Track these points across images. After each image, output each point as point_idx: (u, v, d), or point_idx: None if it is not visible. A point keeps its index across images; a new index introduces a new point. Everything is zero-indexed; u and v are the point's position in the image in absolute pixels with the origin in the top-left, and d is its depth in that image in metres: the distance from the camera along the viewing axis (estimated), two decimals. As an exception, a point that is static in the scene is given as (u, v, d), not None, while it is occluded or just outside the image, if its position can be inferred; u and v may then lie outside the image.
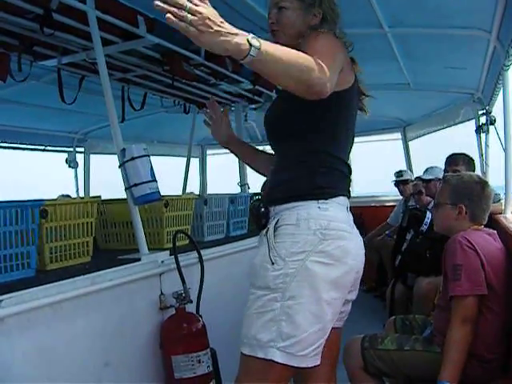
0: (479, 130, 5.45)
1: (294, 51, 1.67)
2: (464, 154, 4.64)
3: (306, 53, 1.73)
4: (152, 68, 4.12)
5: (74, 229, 2.72)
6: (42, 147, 6.74)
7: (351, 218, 2.06)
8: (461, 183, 2.85)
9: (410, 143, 7.72)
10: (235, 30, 1.55)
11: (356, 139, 6.68)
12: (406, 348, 2.72)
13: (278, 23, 2.13)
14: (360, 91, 2.18)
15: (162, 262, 2.95)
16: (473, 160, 4.62)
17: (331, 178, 1.97)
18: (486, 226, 2.85)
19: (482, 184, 2.83)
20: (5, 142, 6.19)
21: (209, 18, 1.48)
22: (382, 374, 2.80)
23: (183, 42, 3.72)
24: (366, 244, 6.37)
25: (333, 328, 2.00)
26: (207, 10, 1.49)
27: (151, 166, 2.81)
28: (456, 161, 4.55)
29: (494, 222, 3.54)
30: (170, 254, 3.00)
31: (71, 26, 3.15)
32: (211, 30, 1.49)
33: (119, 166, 2.85)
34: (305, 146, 1.99)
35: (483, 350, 2.50)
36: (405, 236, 4.83)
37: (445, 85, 5.59)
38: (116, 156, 2.92)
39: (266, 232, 1.95)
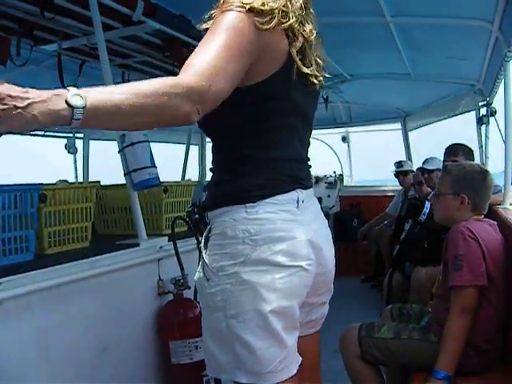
0: (480, 121, 5.44)
1: (140, 86, 1.30)
2: (463, 145, 4.63)
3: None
4: (152, 54, 4.11)
5: (73, 213, 2.73)
6: (42, 132, 6.72)
7: (309, 211, 1.79)
8: (463, 173, 2.83)
9: (409, 134, 7.71)
10: (45, 95, 1.17)
11: (356, 128, 6.66)
12: (403, 337, 2.72)
13: None
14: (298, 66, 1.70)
15: (161, 247, 2.96)
16: (472, 151, 4.61)
17: (260, 179, 1.67)
18: (485, 216, 2.85)
19: (484, 173, 2.82)
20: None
21: (7, 97, 1.13)
22: (379, 363, 2.80)
23: (184, 28, 3.71)
24: (364, 234, 6.39)
25: (307, 335, 1.85)
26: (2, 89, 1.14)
27: (151, 152, 2.82)
28: (456, 151, 4.54)
29: (493, 213, 3.54)
30: (169, 240, 3.01)
31: (72, 10, 3.14)
32: (16, 112, 1.13)
33: (119, 152, 2.85)
34: (227, 147, 1.73)
35: (481, 341, 2.51)
36: (403, 226, 4.82)
37: (446, 75, 5.57)
38: (115, 142, 2.92)
39: (200, 243, 1.74)
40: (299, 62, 1.67)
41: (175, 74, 3.95)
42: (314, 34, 1.73)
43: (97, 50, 3.27)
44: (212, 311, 1.64)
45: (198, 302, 2.91)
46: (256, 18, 1.52)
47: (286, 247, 1.62)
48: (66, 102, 1.19)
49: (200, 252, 1.86)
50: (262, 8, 1.53)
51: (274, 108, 1.68)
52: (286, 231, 1.65)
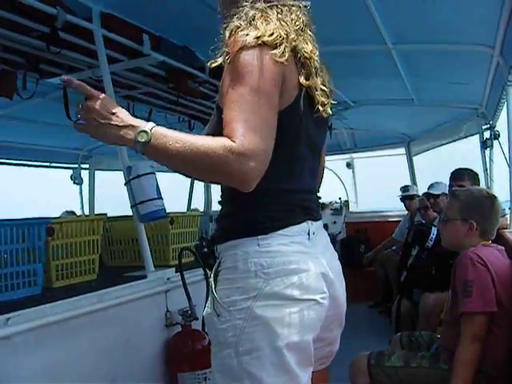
0: (484, 144, 5.44)
1: (199, 141, 1.41)
2: (469, 169, 4.63)
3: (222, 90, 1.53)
4: (157, 85, 4.15)
5: (80, 246, 2.74)
6: (48, 164, 6.78)
7: (320, 242, 1.77)
8: (471, 198, 2.82)
9: (414, 158, 7.72)
10: (123, 123, 1.46)
11: (360, 154, 6.67)
12: (413, 365, 2.70)
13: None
14: (312, 97, 1.69)
15: (168, 279, 2.96)
16: (477, 175, 4.61)
17: (271, 210, 1.65)
18: (492, 241, 2.84)
19: (492, 199, 2.81)
20: (11, 159, 6.22)
21: (94, 111, 1.47)
22: (389, 392, 2.78)
23: (188, 60, 3.75)
24: (370, 260, 6.35)
25: (317, 371, 1.78)
26: (95, 104, 1.47)
27: (157, 184, 2.82)
28: (461, 176, 4.54)
29: (500, 238, 3.52)
30: (176, 271, 3.01)
31: (77, 44, 3.18)
32: (95, 123, 1.47)
33: (125, 184, 2.86)
34: None
35: (490, 367, 2.48)
36: (410, 251, 4.81)
37: (448, 100, 5.60)
38: (120, 172, 2.94)
39: (210, 277, 1.68)
40: (309, 91, 1.66)
41: (180, 104, 3.97)
42: (316, 56, 1.70)
43: (102, 82, 3.31)
44: (223, 347, 1.58)
45: (207, 334, 2.92)
46: (272, 52, 1.52)
47: (299, 280, 1.58)
48: (135, 134, 1.43)
49: (208, 285, 1.91)
50: (275, 39, 1.53)
51: (286, 139, 1.63)
52: (299, 264, 1.61)
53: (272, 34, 1.54)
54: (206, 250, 1.76)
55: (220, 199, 1.79)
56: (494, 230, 2.76)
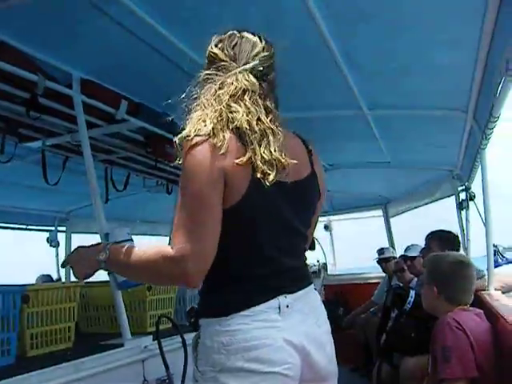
0: (460, 205, 5.51)
1: (144, 251, 1.70)
2: (439, 231, 4.67)
3: None
4: (135, 150, 4.17)
5: (56, 314, 2.69)
6: (24, 226, 6.71)
7: (301, 312, 1.79)
8: (432, 263, 2.89)
9: (394, 219, 7.77)
10: (92, 254, 1.80)
11: (338, 217, 6.70)
12: (396, 433, 2.65)
13: None
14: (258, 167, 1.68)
15: (145, 347, 2.90)
16: (450, 237, 4.62)
17: (232, 294, 1.75)
18: (471, 304, 2.84)
19: (457, 264, 2.82)
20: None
21: (72, 266, 1.90)
22: None
23: (166, 126, 3.78)
24: (350, 323, 6.28)
25: None
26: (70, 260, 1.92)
27: (135, 250, 2.79)
28: (429, 238, 4.60)
29: (478, 300, 3.53)
30: (154, 339, 2.94)
31: (57, 109, 3.20)
32: (79, 270, 1.89)
33: (102, 250, 2.82)
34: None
35: (474, 434, 2.45)
36: (389, 315, 4.78)
37: (424, 162, 5.69)
38: (97, 235, 2.91)
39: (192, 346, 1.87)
40: (262, 175, 1.66)
41: (158, 169, 3.98)
42: (259, 120, 1.71)
43: (80, 147, 3.31)
44: None
45: (184, 403, 2.85)
46: (216, 145, 1.63)
47: (259, 355, 1.67)
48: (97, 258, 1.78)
49: (186, 352, 2.40)
50: (211, 131, 1.64)
51: (246, 229, 1.75)
52: (260, 339, 1.68)
53: (209, 125, 1.65)
54: (192, 320, 1.90)
55: None
56: (464, 295, 2.77)
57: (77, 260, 1.89)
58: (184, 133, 1.68)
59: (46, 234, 7.08)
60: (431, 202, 6.87)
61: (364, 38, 2.81)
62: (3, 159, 3.49)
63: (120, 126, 3.54)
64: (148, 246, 1.72)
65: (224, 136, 1.64)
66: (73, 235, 7.17)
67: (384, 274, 6.74)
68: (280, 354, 1.69)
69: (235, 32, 1.86)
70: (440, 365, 2.48)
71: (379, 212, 7.85)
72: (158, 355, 2.83)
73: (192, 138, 1.65)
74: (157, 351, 2.84)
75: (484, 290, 3.89)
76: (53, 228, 7.05)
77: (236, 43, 1.83)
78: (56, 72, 3.03)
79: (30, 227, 6.83)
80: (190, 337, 3.16)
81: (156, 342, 2.87)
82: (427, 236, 4.66)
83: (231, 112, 1.69)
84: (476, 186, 5.09)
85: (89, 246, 1.87)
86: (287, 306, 1.75)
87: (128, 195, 5.54)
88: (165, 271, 1.64)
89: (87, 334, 3.35)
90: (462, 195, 5.46)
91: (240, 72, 1.76)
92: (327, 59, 2.94)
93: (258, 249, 1.78)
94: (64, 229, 7.11)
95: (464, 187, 5.36)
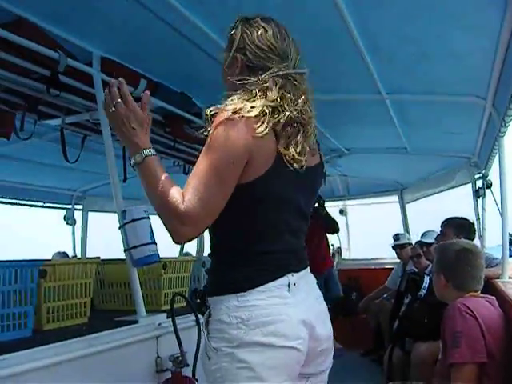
0: (476, 193, 5.48)
1: (166, 186, 1.71)
2: (455, 218, 4.66)
3: None
4: (154, 130, 4.18)
5: (73, 289, 2.73)
6: (41, 203, 6.77)
7: (302, 291, 1.88)
8: (440, 251, 2.91)
9: (409, 205, 7.75)
10: (137, 140, 1.79)
11: (354, 202, 6.66)
12: (405, 417, 2.67)
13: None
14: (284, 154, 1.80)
15: (160, 324, 2.93)
16: (466, 224, 4.62)
17: (249, 270, 1.83)
18: (483, 291, 2.84)
19: (465, 252, 2.82)
20: (4, 198, 6.21)
21: (122, 121, 1.80)
22: None
23: (185, 106, 3.79)
24: (363, 308, 6.29)
25: None
26: (125, 112, 1.80)
27: (151, 229, 2.82)
28: (446, 223, 4.59)
29: (491, 288, 3.53)
30: (168, 317, 2.98)
31: (76, 87, 3.21)
32: (117, 127, 1.83)
33: (119, 228, 2.85)
34: (220, 238, 1.91)
35: (483, 419, 2.46)
36: (403, 300, 4.78)
37: (441, 149, 5.66)
38: (114, 214, 2.94)
39: (202, 325, 1.90)
40: (287, 158, 1.79)
41: (176, 149, 4.00)
42: (311, 122, 1.87)
43: (99, 125, 3.33)
44: None
45: (197, 380, 2.89)
46: (252, 126, 1.71)
47: (276, 329, 1.75)
48: (134, 153, 1.79)
49: (199, 331, 2.32)
50: (255, 115, 1.72)
51: (262, 205, 1.83)
52: (276, 315, 1.77)
53: (251, 110, 1.72)
54: (198, 300, 1.99)
55: (209, 252, 1.97)
56: (472, 283, 2.77)
57: (118, 127, 1.81)
58: (229, 107, 1.73)
59: (63, 212, 7.15)
60: (447, 189, 6.84)
61: (385, 22, 2.79)
62: (23, 136, 3.52)
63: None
64: (173, 185, 1.73)
65: (264, 121, 1.72)
66: (89, 214, 7.22)
67: (398, 260, 6.74)
68: (294, 329, 1.79)
69: (280, 26, 1.91)
70: (449, 349, 2.49)
71: (395, 198, 7.84)
72: (172, 333, 2.87)
73: (233, 113, 1.71)
74: (171, 329, 2.88)
75: (498, 278, 3.88)
76: (70, 206, 7.10)
77: (287, 44, 1.90)
78: (76, 50, 3.04)
79: (46, 205, 6.89)
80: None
81: (170, 319, 2.91)
82: (443, 223, 4.66)
83: (279, 106, 1.77)
84: (493, 175, 5.06)
85: (133, 122, 1.80)
86: (294, 284, 1.85)
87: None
88: (166, 214, 1.71)
89: (102, 310, 3.39)
90: (479, 183, 5.42)
91: (293, 74, 1.87)
92: (347, 42, 2.93)
93: (271, 226, 1.86)
94: (81, 207, 7.16)
95: (481, 175, 5.33)
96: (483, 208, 5.31)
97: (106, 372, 2.56)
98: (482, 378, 2.44)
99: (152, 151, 1.80)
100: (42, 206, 6.81)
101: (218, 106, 1.77)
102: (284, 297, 1.83)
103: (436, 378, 2.81)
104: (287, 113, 1.78)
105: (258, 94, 1.77)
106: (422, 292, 4.31)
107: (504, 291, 3.13)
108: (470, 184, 5.72)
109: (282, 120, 1.77)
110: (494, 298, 2.77)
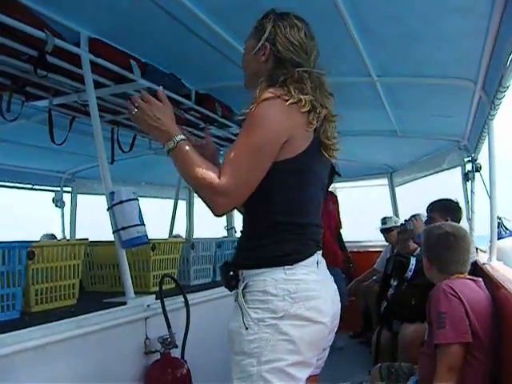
0: (465, 176, 5.50)
1: (200, 164, 1.84)
2: (439, 201, 4.66)
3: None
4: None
5: (61, 271, 2.71)
6: (30, 186, 6.73)
7: (323, 268, 2.04)
8: (426, 235, 2.95)
9: (397, 189, 7.77)
10: (166, 128, 1.92)
11: (343, 184, 6.66)
12: (392, 397, 2.70)
13: (242, 64, 2.18)
14: (323, 142, 2.01)
15: (148, 306, 2.94)
16: (451, 205, 4.62)
17: (296, 244, 1.93)
18: (471, 273, 2.87)
19: (447, 236, 2.84)
20: (-6, 180, 6.18)
21: (147, 114, 1.92)
22: (368, 423, 2.77)
23: (174, 87, 3.76)
24: (352, 290, 6.29)
25: (310, 376, 2.00)
26: (147, 107, 1.93)
27: (139, 210, 2.81)
28: (431, 206, 4.60)
29: (479, 270, 3.55)
30: (156, 298, 2.99)
31: (64, 68, 3.18)
32: (145, 124, 1.95)
33: (108, 209, 2.84)
34: (266, 217, 1.95)
35: (468, 400, 2.48)
36: (389, 282, 4.80)
37: (431, 132, 5.66)
38: (102, 196, 2.93)
39: (237, 297, 1.93)
40: (321, 139, 1.97)
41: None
42: (335, 120, 2.06)
43: (87, 107, 3.31)
44: (246, 356, 1.84)
45: (186, 361, 2.90)
46: (295, 110, 1.87)
47: (316, 305, 1.87)
48: (167, 140, 1.90)
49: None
50: (297, 100, 1.86)
51: (304, 180, 1.96)
52: (317, 290, 1.90)
53: (295, 96, 1.87)
54: (232, 273, 1.98)
55: (244, 230, 2.07)
56: (456, 266, 2.79)
57: (146, 122, 1.94)
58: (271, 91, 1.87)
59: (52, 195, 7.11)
60: (437, 173, 6.86)
61: (376, 3, 2.78)
62: (9, 118, 3.49)
63: (128, 85, 3.52)
64: (207, 163, 1.86)
65: (305, 105, 1.88)
66: (78, 196, 7.19)
67: (387, 243, 6.77)
68: (327, 306, 1.93)
69: (309, 25, 2.09)
70: (435, 330, 2.52)
71: (384, 181, 7.85)
72: (161, 314, 2.88)
73: (278, 94, 1.86)
74: (159, 310, 2.89)
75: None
76: (58, 188, 7.07)
77: (314, 44, 2.08)
78: (63, 30, 3.00)
79: (35, 187, 6.84)
80: (192, 297, 3.23)
81: (159, 301, 2.91)
82: (428, 207, 4.66)
83: (314, 100, 1.92)
84: (483, 158, 5.08)
85: (160, 115, 1.93)
86: (319, 262, 2.00)
87: (134, 157, 5.54)
88: (203, 189, 1.83)
89: (91, 292, 3.39)
90: (468, 166, 5.44)
91: (319, 73, 2.05)
92: (338, 24, 2.91)
93: (309, 199, 2.00)
94: (70, 189, 7.12)
95: (470, 158, 5.35)
96: (472, 191, 5.33)
97: (93, 353, 2.57)
98: (467, 359, 2.47)
99: (182, 136, 1.90)
100: (31, 189, 6.76)
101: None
102: (317, 273, 1.95)
103: (422, 359, 2.84)
104: (324, 110, 1.96)
105: (294, 86, 1.90)
106: (409, 274, 4.32)
107: (491, 273, 3.15)
108: (460, 167, 5.74)
109: (321, 115, 1.94)
110: (480, 279, 2.79)
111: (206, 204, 1.85)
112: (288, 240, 1.92)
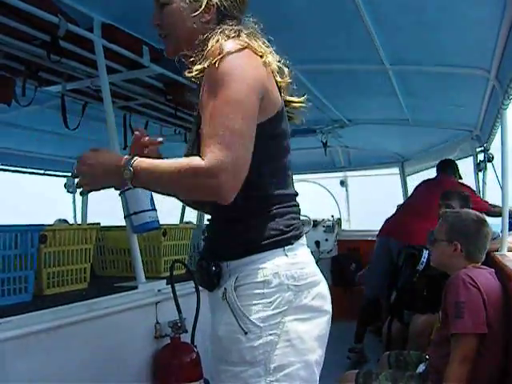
0: (477, 166, 5.48)
1: (171, 164, 1.50)
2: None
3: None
4: (154, 97, 4.16)
5: (73, 255, 2.74)
6: (42, 171, 6.77)
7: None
8: (458, 221, 2.87)
9: (410, 177, 7.73)
10: (108, 164, 1.62)
11: (354, 173, 6.64)
12: (401, 385, 2.70)
13: (162, 25, 1.74)
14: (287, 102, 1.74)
15: (159, 290, 2.96)
16: (466, 195, 4.61)
17: (289, 219, 1.63)
18: (483, 263, 2.86)
19: (480, 222, 2.84)
20: (4, 165, 6.20)
21: (82, 175, 1.65)
22: (376, 411, 2.77)
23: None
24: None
25: None
26: (81, 168, 1.64)
27: (151, 195, 2.81)
28: (450, 195, 4.57)
29: (490, 260, 3.54)
30: (167, 283, 3.01)
31: (77, 53, 3.19)
32: (92, 176, 1.65)
33: (119, 194, 2.85)
34: (254, 193, 1.60)
35: (479, 389, 2.49)
36: (399, 273, 4.78)
37: (443, 121, 5.62)
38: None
39: (224, 295, 1.59)
40: (293, 106, 1.75)
41: (177, 117, 3.97)
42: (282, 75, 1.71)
43: (100, 92, 3.32)
44: (250, 366, 1.52)
45: (195, 346, 2.92)
46: (259, 57, 1.58)
47: (320, 290, 1.63)
48: (122, 174, 1.55)
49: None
50: (261, 50, 1.59)
51: (283, 145, 1.67)
52: (317, 274, 1.66)
53: (260, 46, 1.59)
54: (214, 268, 1.65)
55: (215, 215, 1.78)
56: (481, 253, 2.80)
57: (92, 175, 1.64)
58: (238, 41, 1.56)
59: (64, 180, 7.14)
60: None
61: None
62: (23, 103, 3.50)
63: (140, 71, 3.53)
64: (177, 159, 1.52)
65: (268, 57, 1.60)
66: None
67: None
68: (327, 290, 1.69)
69: None
70: (452, 320, 2.50)
71: (396, 170, 7.82)
72: (171, 299, 2.90)
73: (244, 45, 1.55)
74: (170, 295, 2.91)
75: (497, 251, 3.89)
76: (70, 174, 7.09)
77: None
78: (77, 15, 3.00)
79: (47, 172, 6.88)
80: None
81: (169, 286, 2.93)
82: (445, 196, 4.62)
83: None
84: (494, 149, 5.05)
85: (99, 159, 1.64)
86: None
87: (146, 143, 5.53)
88: (196, 185, 1.46)
89: (102, 276, 3.42)
90: (480, 156, 5.42)
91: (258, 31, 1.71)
92: (351, 11, 2.89)
93: (289, 172, 1.72)
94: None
95: (483, 148, 5.32)
96: (484, 181, 5.31)
97: (104, 337, 2.59)
98: (480, 349, 2.47)
99: (128, 156, 1.58)
100: (43, 174, 6.81)
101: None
102: (309, 251, 1.70)
103: (431, 348, 2.84)
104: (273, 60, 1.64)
105: (249, 38, 1.60)
106: (420, 267, 4.31)
107: (503, 263, 3.15)
108: (472, 157, 5.71)
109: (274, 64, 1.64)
110: (493, 270, 2.78)
111: (209, 197, 1.49)
112: (280, 215, 1.61)
